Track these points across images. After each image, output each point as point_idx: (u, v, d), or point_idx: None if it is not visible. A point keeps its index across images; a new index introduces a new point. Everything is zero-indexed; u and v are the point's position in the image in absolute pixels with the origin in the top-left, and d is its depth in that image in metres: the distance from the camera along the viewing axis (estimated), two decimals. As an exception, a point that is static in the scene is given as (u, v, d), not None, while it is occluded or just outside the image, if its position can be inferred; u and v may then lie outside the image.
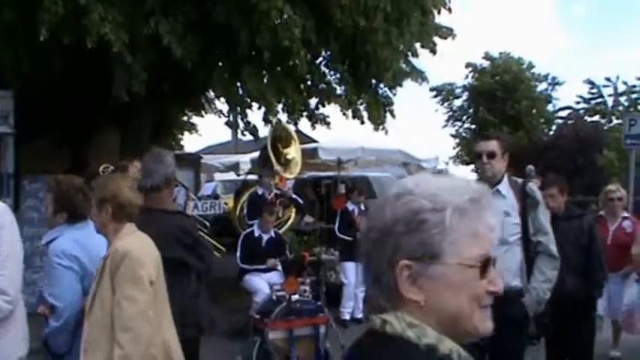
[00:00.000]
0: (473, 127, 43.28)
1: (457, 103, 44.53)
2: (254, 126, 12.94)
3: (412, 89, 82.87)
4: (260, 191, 11.49)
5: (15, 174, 10.59)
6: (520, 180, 5.93)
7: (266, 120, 12.23)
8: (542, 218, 5.54)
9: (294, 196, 12.26)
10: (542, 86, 43.18)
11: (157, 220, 5.05)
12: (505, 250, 5.26)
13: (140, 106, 11.44)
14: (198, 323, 5.49)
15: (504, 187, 5.52)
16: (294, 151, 11.94)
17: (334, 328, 9.78)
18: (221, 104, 17.22)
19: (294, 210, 12.33)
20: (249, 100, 12.25)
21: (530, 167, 14.27)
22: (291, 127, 12.57)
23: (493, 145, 5.55)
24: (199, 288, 5.57)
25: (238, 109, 12.52)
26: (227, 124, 14.30)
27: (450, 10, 13.26)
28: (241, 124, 13.06)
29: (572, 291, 6.40)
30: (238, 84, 11.82)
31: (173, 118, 18.73)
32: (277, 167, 11.49)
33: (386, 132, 14.04)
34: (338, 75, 12.92)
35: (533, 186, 5.77)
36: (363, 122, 13.47)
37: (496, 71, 40.83)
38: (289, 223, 12.14)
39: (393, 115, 13.92)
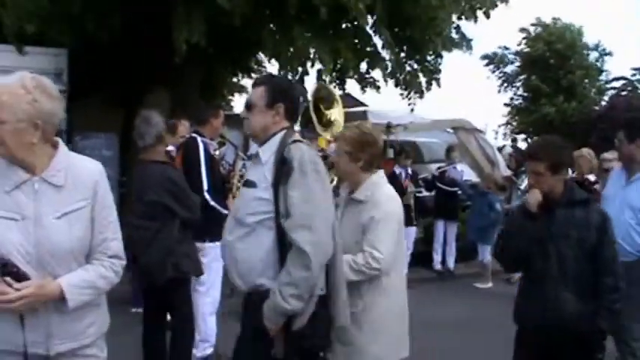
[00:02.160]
0: (525, 94, 42.67)
1: (509, 69, 43.89)
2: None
3: (463, 56, 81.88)
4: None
5: (67, 131, 10.70)
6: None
7: (319, 79, 12.19)
8: (295, 196, 3.78)
9: (337, 157, 12.17)
10: (593, 56, 42.30)
11: (147, 169, 6.00)
12: (243, 235, 3.95)
13: (189, 66, 11.46)
14: (178, 265, 6.01)
15: (269, 149, 4.03)
16: (336, 113, 11.86)
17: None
18: (271, 66, 17.21)
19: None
20: (299, 61, 12.18)
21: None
22: (336, 89, 12.50)
23: (255, 93, 4.13)
24: (185, 234, 6.16)
25: (288, 67, 12.46)
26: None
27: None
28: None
29: (569, 318, 4.46)
30: (289, 47, 11.76)
31: (222, 80, 18.72)
32: (319, 128, 11.43)
33: (421, 96, 13.94)
34: (384, 39, 12.79)
35: (298, 149, 3.96)
36: (406, 89, 13.39)
37: (550, 38, 40.06)
38: (332, 184, 12.07)
39: (438, 84, 13.79)
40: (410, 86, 13.39)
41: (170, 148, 7.45)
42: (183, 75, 12.20)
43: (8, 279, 3.02)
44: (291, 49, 11.87)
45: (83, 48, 10.88)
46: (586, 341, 4.53)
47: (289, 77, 12.81)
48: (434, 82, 13.70)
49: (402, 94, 13.60)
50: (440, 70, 13.73)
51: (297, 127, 16.69)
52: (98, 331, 3.43)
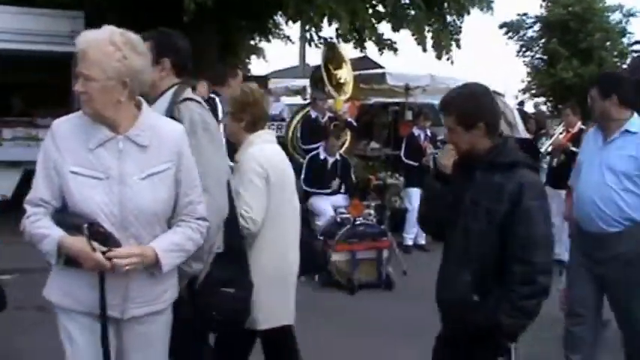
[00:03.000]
0: (545, 57, 42.27)
1: (528, 34, 43.49)
2: (329, 39, 12.84)
3: (481, 21, 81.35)
4: (313, 114, 11.39)
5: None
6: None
7: (338, 36, 12.15)
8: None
9: (349, 119, 12.16)
10: (615, 17, 41.75)
11: None
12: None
13: (206, 28, 11.42)
14: None
15: (159, 108, 3.78)
16: (345, 73, 11.83)
17: (397, 254, 9.81)
18: (288, 29, 17.14)
19: (349, 133, 12.24)
20: (320, 18, 12.12)
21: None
22: (357, 49, 12.43)
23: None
24: None
25: (309, 26, 12.43)
26: (301, 41, 14.14)
27: None
28: (315, 40, 12.93)
29: (464, 305, 3.66)
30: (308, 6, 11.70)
31: (240, 42, 18.67)
32: (329, 88, 11.39)
33: (452, 62, 13.86)
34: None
35: (188, 108, 3.84)
36: (425, 50, 13.31)
37: (568, 1, 39.58)
38: (345, 147, 12.05)
39: (458, 45, 13.69)
40: (437, 46, 13.30)
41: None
42: (200, 37, 12.17)
43: (95, 244, 2.97)
44: (311, 11, 11.82)
45: (97, 11, 10.85)
46: (485, 338, 3.63)
47: (312, 39, 12.77)
48: (454, 44, 13.59)
49: (425, 51, 13.51)
50: (461, 31, 13.62)
51: (307, 88, 16.74)
52: (171, 297, 3.40)
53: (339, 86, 11.85)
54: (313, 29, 12.63)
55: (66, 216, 3.11)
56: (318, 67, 11.68)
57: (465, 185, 3.67)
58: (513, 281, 3.49)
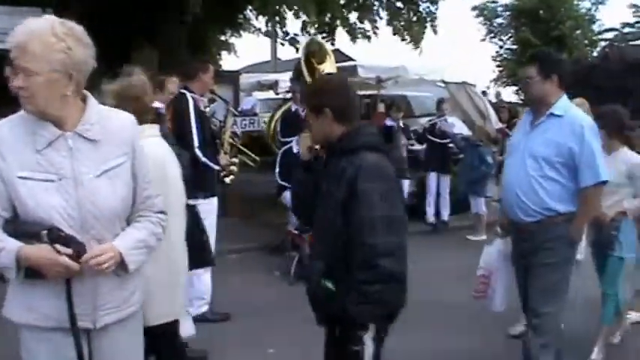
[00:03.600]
0: (514, 47, 42.42)
1: (498, 21, 43.63)
2: (293, 36, 12.79)
3: (454, 10, 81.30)
4: (294, 107, 11.37)
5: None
6: None
7: (304, 30, 12.11)
8: None
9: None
10: (585, 5, 42.05)
11: None
12: None
13: (177, 23, 11.35)
14: None
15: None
16: (329, 67, 11.79)
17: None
18: (258, 23, 17.07)
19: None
20: (286, 11, 12.09)
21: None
22: (327, 43, 12.40)
23: None
24: None
25: (277, 19, 12.37)
26: (266, 34, 14.09)
27: None
28: (280, 34, 12.88)
29: (316, 293, 3.67)
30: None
31: (210, 37, 18.59)
32: (309, 82, 11.35)
33: (420, 51, 13.85)
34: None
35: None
36: (404, 39, 13.28)
37: (539, -11, 39.78)
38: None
39: (435, 31, 13.66)
40: (410, 34, 13.28)
41: (159, 105, 7.38)
42: (171, 31, 12.10)
43: (60, 247, 2.79)
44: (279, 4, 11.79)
45: (66, 5, 10.70)
46: (342, 326, 3.64)
47: (276, 34, 12.71)
48: (430, 29, 13.54)
49: (404, 40, 13.49)
50: (436, 17, 13.60)
51: (279, 83, 16.62)
52: (140, 299, 3.26)
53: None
54: (278, 25, 12.55)
55: (19, 225, 2.90)
56: (299, 62, 11.64)
57: (321, 172, 3.73)
58: (356, 267, 3.41)
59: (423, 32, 13.50)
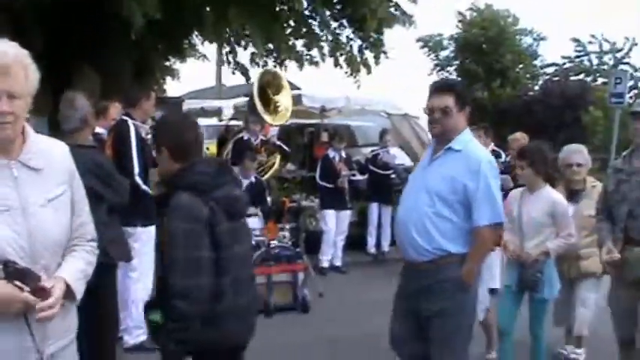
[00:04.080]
0: (459, 78, 43.07)
1: (444, 53, 44.30)
2: (243, 65, 12.79)
3: (398, 40, 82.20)
4: (246, 137, 11.42)
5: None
6: None
7: (253, 61, 12.13)
8: None
9: (278, 142, 12.21)
10: (527, 41, 43.01)
11: (73, 154, 5.27)
12: None
13: (121, 48, 11.26)
14: (105, 250, 5.67)
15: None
16: (284, 98, 11.81)
17: (313, 276, 9.82)
18: (204, 48, 17.06)
19: (278, 157, 12.26)
20: (234, 41, 12.11)
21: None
22: (282, 73, 12.42)
23: None
24: (112, 219, 5.83)
25: (227, 48, 12.38)
26: (218, 63, 14.07)
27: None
28: (232, 63, 12.87)
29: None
30: (226, 28, 11.67)
31: (155, 63, 18.49)
32: (263, 114, 11.36)
33: (359, 85, 13.94)
34: (319, 19, 12.76)
35: None
36: (346, 72, 13.36)
37: (483, 24, 40.54)
38: (273, 169, 12.07)
39: (386, 56, 13.71)
40: (351, 65, 13.34)
41: (101, 130, 7.33)
42: (114, 56, 11.99)
43: (18, 283, 2.74)
44: (228, 32, 11.80)
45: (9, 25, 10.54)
46: None
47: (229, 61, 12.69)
48: (372, 60, 13.59)
49: (346, 72, 13.55)
50: (384, 44, 13.67)
51: (223, 109, 16.54)
52: (75, 325, 3.23)
53: (275, 111, 11.80)
54: (230, 54, 12.56)
55: None
56: (252, 91, 11.65)
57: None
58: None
59: (366, 63, 13.55)
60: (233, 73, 13.72)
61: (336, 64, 13.31)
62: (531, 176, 6.00)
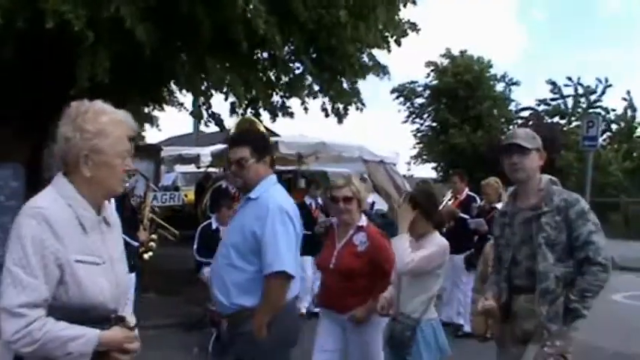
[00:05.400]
0: (434, 124, 43.43)
1: (418, 101, 44.64)
2: (219, 116, 12.84)
3: (373, 85, 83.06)
4: (224, 184, 11.49)
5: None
6: None
7: (233, 111, 12.22)
8: None
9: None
10: (500, 86, 43.50)
11: None
12: None
13: (99, 97, 11.31)
14: None
15: None
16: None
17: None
18: (182, 97, 17.12)
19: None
20: (213, 92, 12.19)
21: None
22: (258, 121, 12.52)
23: None
24: None
25: (202, 99, 12.43)
26: (192, 114, 14.10)
27: (414, 2, 13.05)
28: (205, 115, 12.92)
29: None
30: (202, 75, 11.73)
31: (133, 110, 18.53)
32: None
33: (340, 121, 14.03)
34: (301, 68, 12.87)
35: None
36: (327, 115, 13.42)
37: (457, 70, 41.01)
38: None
39: (358, 108, 13.83)
40: (333, 110, 13.43)
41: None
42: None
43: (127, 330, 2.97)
44: (205, 81, 11.88)
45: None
46: None
47: (201, 115, 12.75)
48: (356, 105, 13.68)
49: (327, 116, 13.63)
50: (359, 94, 13.77)
51: (201, 157, 16.45)
52: None
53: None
54: (203, 105, 12.61)
55: (77, 312, 2.80)
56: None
57: None
58: None
59: (347, 111, 13.65)
60: (206, 125, 13.76)
61: (323, 108, 13.40)
62: (421, 221, 5.22)
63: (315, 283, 11.66)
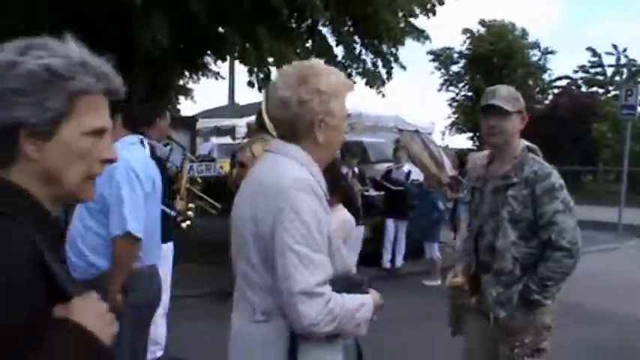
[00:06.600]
0: (470, 94, 43.10)
1: (454, 69, 44.28)
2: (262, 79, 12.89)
3: (409, 54, 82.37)
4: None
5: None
6: None
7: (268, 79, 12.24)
8: None
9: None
10: (536, 55, 42.94)
11: None
12: None
13: (137, 68, 11.36)
14: None
15: None
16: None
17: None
18: (217, 68, 17.11)
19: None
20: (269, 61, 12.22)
21: None
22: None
23: None
24: None
25: (256, 69, 12.45)
26: (249, 83, 14.03)
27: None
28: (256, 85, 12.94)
29: None
30: (250, 45, 11.78)
31: (169, 82, 18.59)
32: (272, 131, 11.45)
33: (383, 95, 13.97)
34: (337, 37, 12.85)
35: None
36: (367, 82, 13.40)
37: (492, 38, 40.57)
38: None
39: (403, 68, 13.76)
40: (371, 78, 13.40)
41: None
42: (131, 74, 12.09)
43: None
44: (257, 51, 11.92)
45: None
46: None
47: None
48: (397, 68, 13.65)
49: (367, 84, 13.61)
50: (398, 58, 13.72)
51: (236, 128, 16.42)
52: None
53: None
54: (259, 73, 12.60)
55: (340, 280, 2.72)
56: (261, 110, 11.77)
57: None
58: None
59: (391, 75, 13.60)
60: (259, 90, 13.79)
61: (361, 74, 13.38)
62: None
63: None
